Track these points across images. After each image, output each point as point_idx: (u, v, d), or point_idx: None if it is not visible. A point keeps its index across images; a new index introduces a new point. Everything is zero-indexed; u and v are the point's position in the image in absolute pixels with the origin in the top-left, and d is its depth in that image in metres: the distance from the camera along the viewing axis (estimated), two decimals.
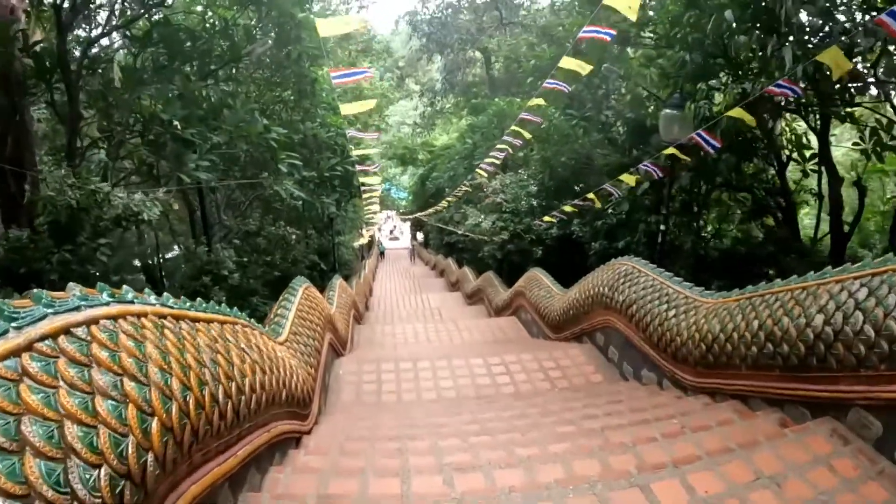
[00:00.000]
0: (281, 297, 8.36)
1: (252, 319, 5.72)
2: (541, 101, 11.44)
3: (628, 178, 12.04)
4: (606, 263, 10.82)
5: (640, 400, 7.42)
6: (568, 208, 15.15)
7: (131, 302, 3.28)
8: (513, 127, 14.14)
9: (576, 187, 20.45)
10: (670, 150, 10.66)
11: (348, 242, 36.78)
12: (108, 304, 3.04)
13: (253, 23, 16.51)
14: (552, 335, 13.38)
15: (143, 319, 3.24)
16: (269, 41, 15.18)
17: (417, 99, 56.33)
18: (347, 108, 10.62)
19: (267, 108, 18.79)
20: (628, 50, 15.62)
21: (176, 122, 11.08)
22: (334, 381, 9.53)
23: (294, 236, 20.46)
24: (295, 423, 5.82)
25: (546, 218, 16.97)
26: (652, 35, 14.29)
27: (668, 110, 11.28)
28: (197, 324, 3.96)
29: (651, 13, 14.41)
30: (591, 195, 13.51)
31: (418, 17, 46.45)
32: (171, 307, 3.74)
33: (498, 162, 19.15)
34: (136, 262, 20.21)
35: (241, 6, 15.92)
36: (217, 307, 4.78)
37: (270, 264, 18.67)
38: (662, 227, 12.09)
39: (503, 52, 36.66)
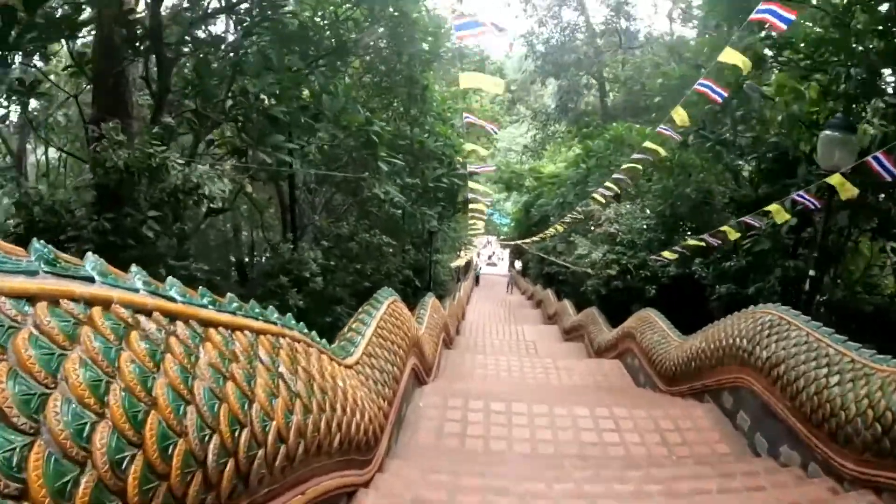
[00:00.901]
0: (360, 309, 7.02)
1: (313, 332, 4.39)
2: (682, 117, 9.79)
3: (776, 212, 10.23)
4: (744, 311, 9.17)
5: (786, 489, 5.88)
6: (692, 243, 13.37)
7: (89, 280, 1.96)
8: (646, 144, 12.50)
9: (694, 224, 18.68)
10: (834, 180, 8.83)
11: (445, 262, 35.76)
12: (32, 273, 1.73)
13: (365, 20, 15.49)
14: (664, 387, 11.69)
15: (93, 311, 1.89)
16: (379, 30, 14.03)
17: (527, 124, 55.17)
18: (468, 80, 9.43)
19: (374, 113, 17.74)
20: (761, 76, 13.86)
21: (264, 97, 10.03)
22: (412, 414, 8.13)
23: (391, 248, 19.31)
24: (350, 473, 4.43)
25: (666, 254, 15.18)
26: (789, 57, 12.52)
27: (828, 132, 9.49)
28: (210, 330, 2.61)
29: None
30: (725, 228, 11.72)
31: (534, 37, 45.28)
32: (172, 298, 2.41)
33: (615, 190, 17.57)
34: (232, 258, 19.52)
35: (355, 3, 14.91)
36: (260, 311, 3.43)
37: (360, 273, 17.57)
38: (812, 273, 10.24)
39: (626, 72, 34.90)
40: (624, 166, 14.72)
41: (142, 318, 2.16)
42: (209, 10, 12.04)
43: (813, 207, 10.20)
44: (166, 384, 2.06)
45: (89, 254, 2.13)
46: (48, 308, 1.74)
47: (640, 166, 15.04)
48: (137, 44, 10.02)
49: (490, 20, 8.38)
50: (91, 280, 2.00)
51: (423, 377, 10.16)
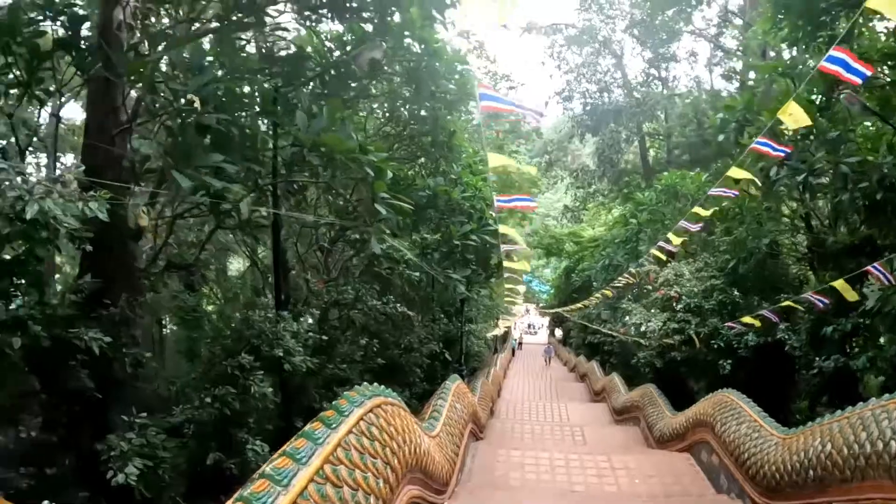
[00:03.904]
0: (289, 444, 4.16)
1: None
2: (800, 117, 7.00)
3: None
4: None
5: None
6: (787, 303, 10.42)
7: None
8: (712, 192, 9.67)
9: (758, 282, 15.79)
10: None
11: (480, 332, 32.97)
12: None
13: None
14: (761, 499, 8.67)
15: None
16: (384, 43, 11.48)
17: (565, 187, 53.23)
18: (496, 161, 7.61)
19: (398, 166, 15.26)
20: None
21: (193, 97, 7.44)
22: None
23: (410, 316, 16.57)
24: None
25: (746, 319, 12.16)
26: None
27: None
28: None
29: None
30: (839, 283, 8.79)
31: (567, 93, 43.24)
32: None
33: (676, 245, 14.68)
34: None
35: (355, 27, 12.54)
36: None
37: (369, 347, 14.84)
38: None
39: (681, 108, 32.41)
40: (695, 208, 11.87)
41: None
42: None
43: None
44: None
45: None
46: None
47: (705, 213, 12.27)
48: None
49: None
50: None
51: (433, 500, 7.28)
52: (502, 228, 12.44)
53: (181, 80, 7.66)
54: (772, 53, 22.77)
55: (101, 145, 8.77)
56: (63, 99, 10.39)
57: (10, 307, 6.79)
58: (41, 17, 8.76)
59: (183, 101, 7.42)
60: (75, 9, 8.89)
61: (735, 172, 9.21)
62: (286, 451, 3.85)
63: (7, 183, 5.74)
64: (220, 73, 8.77)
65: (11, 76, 8.81)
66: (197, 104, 7.24)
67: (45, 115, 14.71)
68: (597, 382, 31.61)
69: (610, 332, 28.31)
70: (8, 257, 6.78)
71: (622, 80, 43.02)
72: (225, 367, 8.86)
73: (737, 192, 11.25)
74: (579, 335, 44.13)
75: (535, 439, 16.61)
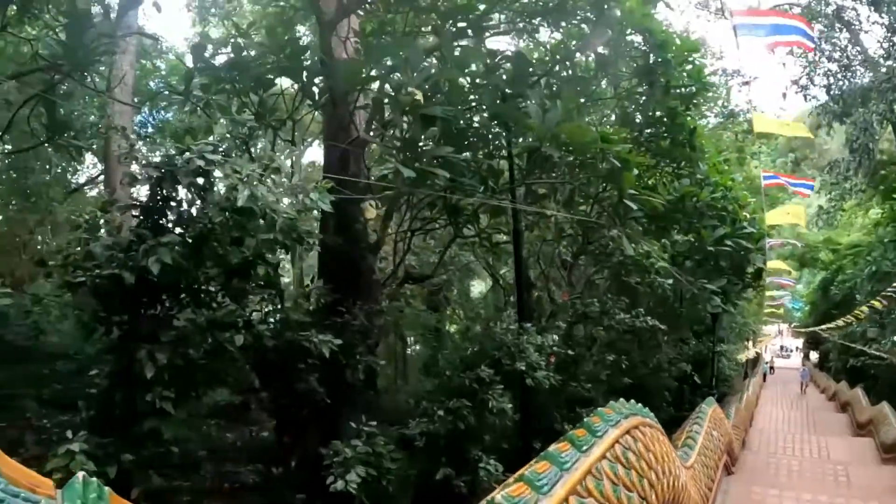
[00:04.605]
0: (528, 466, 3.50)
1: None
2: None
3: None
4: None
5: None
6: None
7: None
8: None
9: None
10: None
11: (731, 354, 30.63)
12: None
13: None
14: None
15: None
16: (609, 32, 10.74)
17: (815, 186, 48.61)
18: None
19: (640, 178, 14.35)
20: None
21: (415, 90, 7.18)
22: None
23: (661, 330, 15.54)
24: None
25: None
26: None
27: None
28: None
29: None
30: None
31: (804, 80, 39.10)
32: None
33: None
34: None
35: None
36: None
37: (615, 365, 14.01)
38: None
39: None
40: None
41: None
42: None
43: None
44: None
45: None
46: None
47: None
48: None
49: None
50: None
51: None
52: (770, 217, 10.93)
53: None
54: None
55: (338, 154, 8.87)
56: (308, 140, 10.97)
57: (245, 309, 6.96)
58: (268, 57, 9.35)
59: (404, 92, 7.34)
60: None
61: None
62: (525, 475, 3.30)
63: (221, 174, 5.91)
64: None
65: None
66: (419, 97, 7.11)
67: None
68: (862, 413, 28.06)
69: (878, 352, 25.08)
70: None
71: (863, 55, 38.30)
72: (463, 380, 8.67)
73: None
74: (839, 358, 39.78)
75: (793, 477, 14.82)
